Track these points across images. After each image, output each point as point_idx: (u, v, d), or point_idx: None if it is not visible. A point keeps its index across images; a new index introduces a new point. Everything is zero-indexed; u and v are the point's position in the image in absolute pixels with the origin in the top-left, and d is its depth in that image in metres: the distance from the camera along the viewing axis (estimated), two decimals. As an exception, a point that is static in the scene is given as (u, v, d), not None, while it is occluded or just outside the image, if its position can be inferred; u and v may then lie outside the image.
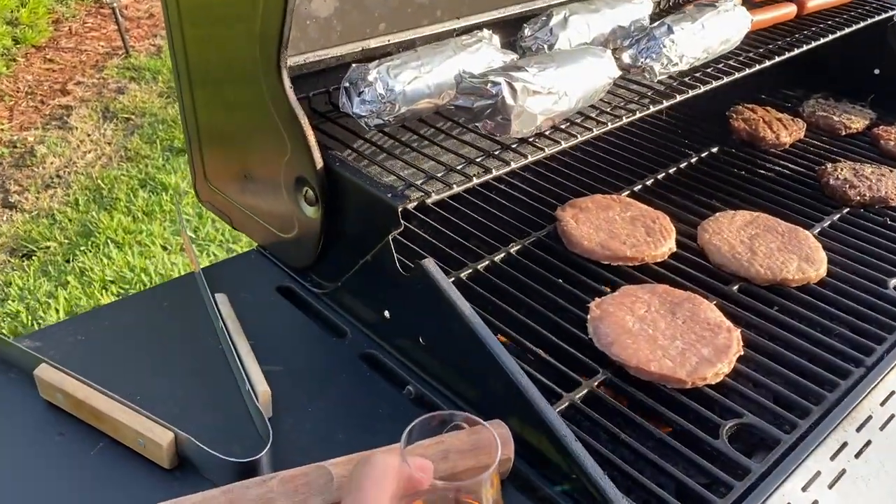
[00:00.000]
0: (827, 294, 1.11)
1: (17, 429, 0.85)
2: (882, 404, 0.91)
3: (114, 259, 2.93)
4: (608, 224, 1.21)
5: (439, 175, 0.96)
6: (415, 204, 0.91)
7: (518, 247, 1.15)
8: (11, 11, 4.79)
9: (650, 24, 1.25)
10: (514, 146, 1.00)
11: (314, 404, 0.90)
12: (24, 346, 0.90)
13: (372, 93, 0.96)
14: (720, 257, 1.16)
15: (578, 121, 1.07)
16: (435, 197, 0.89)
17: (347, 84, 0.98)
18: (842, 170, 1.38)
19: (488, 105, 0.93)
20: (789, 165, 1.47)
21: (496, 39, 1.14)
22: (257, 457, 0.78)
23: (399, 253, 0.92)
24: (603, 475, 0.76)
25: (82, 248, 3.01)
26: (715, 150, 1.52)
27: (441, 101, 1.00)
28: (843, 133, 1.58)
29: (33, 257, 3.02)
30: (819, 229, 1.26)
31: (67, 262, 2.96)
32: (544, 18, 1.19)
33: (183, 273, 2.64)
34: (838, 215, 1.30)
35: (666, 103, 1.14)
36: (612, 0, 1.27)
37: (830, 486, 0.81)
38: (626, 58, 1.15)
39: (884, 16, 1.61)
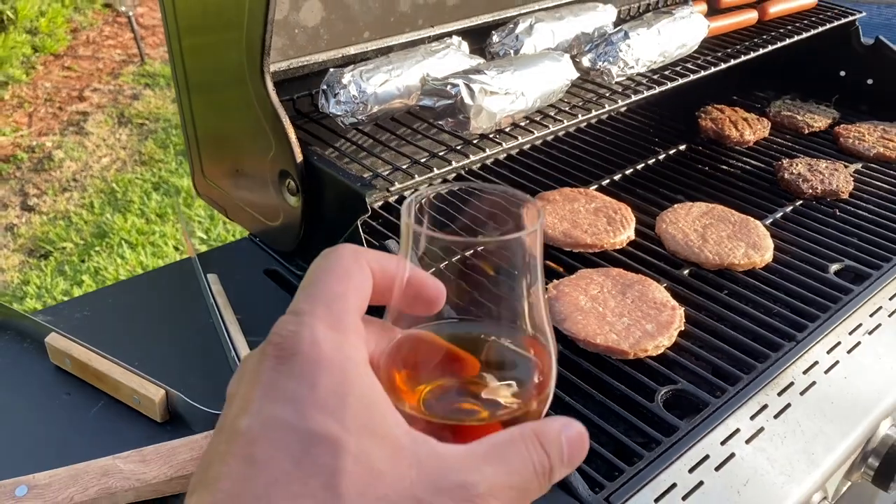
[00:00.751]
0: (770, 278, 1.19)
1: (30, 389, 0.96)
2: (805, 372, 1.00)
3: (127, 259, 3.06)
4: (572, 214, 1.30)
5: (404, 167, 1.06)
6: (392, 196, 1.00)
7: (487, 235, 1.25)
8: (31, 21, 4.97)
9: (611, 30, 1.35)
10: (475, 142, 1.10)
11: (293, 372, 1.01)
12: (37, 319, 1.02)
13: (346, 94, 1.06)
14: (674, 244, 1.25)
15: (538, 119, 1.17)
16: (398, 186, 0.99)
17: (325, 87, 1.08)
18: (797, 165, 1.46)
19: (449, 105, 1.03)
20: (751, 162, 1.56)
21: (465, 46, 1.24)
22: (237, 411, 0.88)
23: (376, 240, 1.02)
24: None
25: (97, 249, 3.14)
26: (682, 147, 1.61)
27: (410, 102, 1.10)
28: (807, 131, 1.66)
29: (50, 257, 3.15)
30: (771, 220, 1.34)
31: (83, 261, 3.09)
32: (511, 26, 1.29)
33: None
34: (791, 207, 1.39)
35: (621, 102, 1.24)
36: (577, 9, 1.37)
37: (748, 442, 0.90)
38: (585, 61, 1.25)
39: (846, 20, 1.69)
